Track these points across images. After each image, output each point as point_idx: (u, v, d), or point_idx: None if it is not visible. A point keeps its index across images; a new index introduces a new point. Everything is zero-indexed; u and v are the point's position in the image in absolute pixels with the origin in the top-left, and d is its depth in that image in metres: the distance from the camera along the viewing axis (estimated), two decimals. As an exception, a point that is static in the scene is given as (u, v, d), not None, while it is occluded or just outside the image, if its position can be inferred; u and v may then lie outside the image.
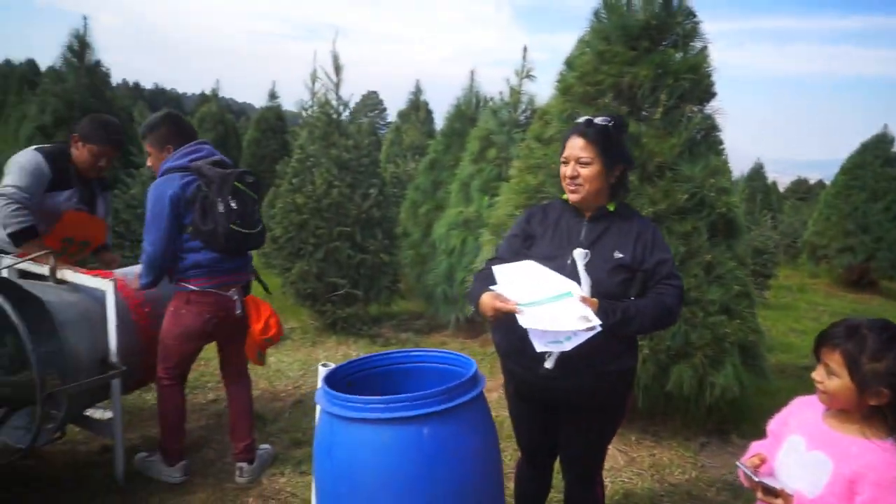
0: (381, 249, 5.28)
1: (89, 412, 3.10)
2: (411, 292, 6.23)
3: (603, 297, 1.85)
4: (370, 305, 5.52)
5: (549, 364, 1.91)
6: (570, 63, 3.72)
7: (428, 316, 5.89)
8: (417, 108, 11.00)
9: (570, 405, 2.05)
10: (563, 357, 1.87)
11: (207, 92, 15.97)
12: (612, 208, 2.04)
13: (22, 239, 2.86)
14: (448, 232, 5.07)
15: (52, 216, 2.96)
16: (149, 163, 2.90)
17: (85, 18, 7.14)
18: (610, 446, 2.26)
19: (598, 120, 1.99)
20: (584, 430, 2.08)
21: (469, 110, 6.11)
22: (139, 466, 2.93)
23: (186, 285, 2.74)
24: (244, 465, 2.95)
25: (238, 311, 2.86)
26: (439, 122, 11.39)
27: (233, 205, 2.62)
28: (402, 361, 2.07)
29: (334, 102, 5.45)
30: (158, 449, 2.91)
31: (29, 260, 2.91)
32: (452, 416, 1.72)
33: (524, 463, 2.29)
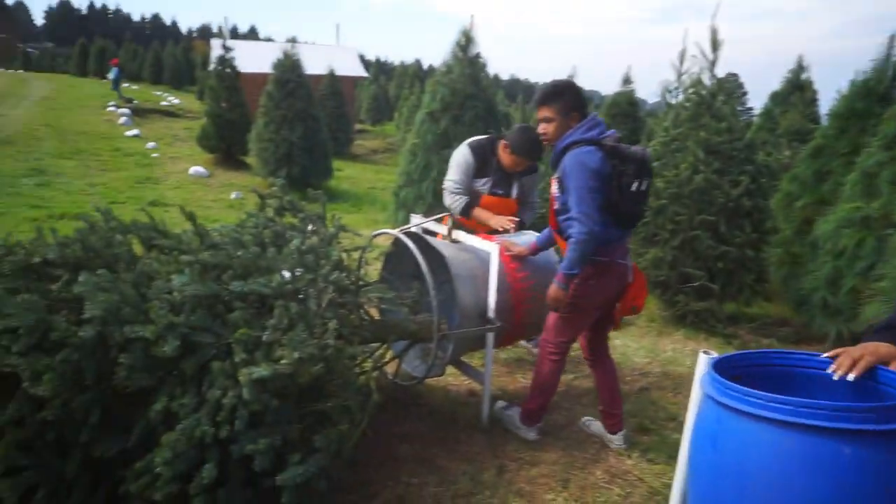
0: (747, 243, 4.77)
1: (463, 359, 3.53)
2: (776, 295, 5.51)
3: None
4: (726, 303, 5.06)
5: None
6: None
7: (797, 324, 5.14)
8: (800, 89, 9.53)
9: None
10: None
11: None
12: None
13: (466, 213, 3.57)
14: (838, 230, 4.29)
15: (477, 197, 3.60)
16: (544, 129, 2.80)
17: (472, 16, 8.12)
18: None
19: None
20: None
21: (881, 86, 5.02)
22: (497, 415, 3.21)
23: (595, 257, 2.73)
24: (624, 432, 3.09)
25: (630, 279, 2.87)
26: (824, 104, 9.75)
27: (643, 187, 2.69)
28: (807, 365, 1.79)
29: (707, 82, 5.07)
30: (522, 408, 3.11)
31: (432, 220, 3.42)
32: (889, 444, 1.42)
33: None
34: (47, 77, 34.30)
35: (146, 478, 2.04)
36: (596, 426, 3.20)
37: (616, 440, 3.08)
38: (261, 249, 2.61)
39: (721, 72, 5.12)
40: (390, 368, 3.46)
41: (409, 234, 3.19)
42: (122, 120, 17.73)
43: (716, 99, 5.03)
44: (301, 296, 2.48)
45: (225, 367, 2.15)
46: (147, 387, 2.14)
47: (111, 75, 25.45)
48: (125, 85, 28.13)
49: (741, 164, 4.86)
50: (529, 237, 3.31)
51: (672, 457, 3.02)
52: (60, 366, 2.02)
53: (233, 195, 10.43)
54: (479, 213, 3.57)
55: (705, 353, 1.94)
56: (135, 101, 23.12)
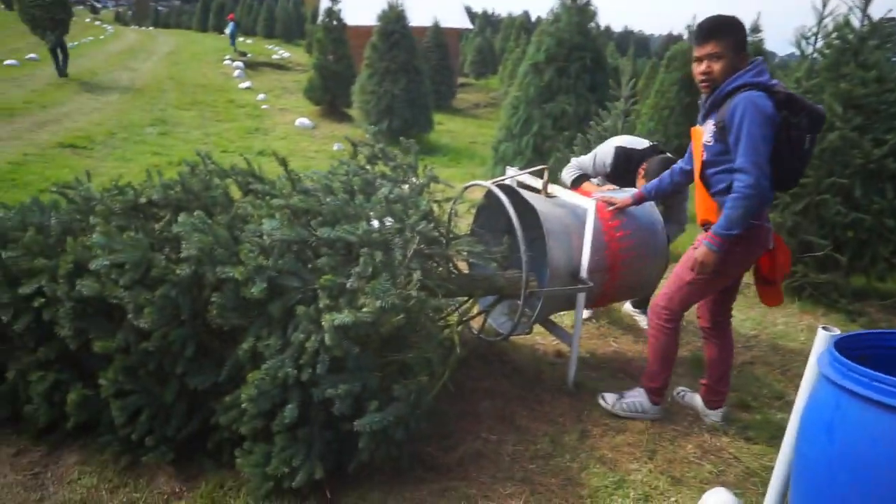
0: (888, 211, 4.23)
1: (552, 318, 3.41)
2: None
3: None
4: (854, 276, 4.55)
5: None
6: None
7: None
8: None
9: None
10: None
11: (675, 32, 15.44)
12: None
13: (576, 183, 3.53)
14: None
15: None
16: (708, 67, 2.37)
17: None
18: None
19: None
20: None
21: None
22: (617, 409, 2.83)
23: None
24: (724, 409, 2.88)
25: (771, 244, 2.56)
26: None
27: (811, 144, 2.37)
28: (954, 351, 1.54)
29: (857, 23, 4.45)
30: (647, 388, 2.82)
31: (527, 173, 3.28)
32: None
33: None
34: (173, 33, 36.52)
35: (234, 412, 2.13)
36: (691, 398, 3.00)
37: (713, 415, 2.87)
38: (349, 197, 2.60)
39: (877, 12, 4.46)
40: (476, 323, 3.41)
41: (502, 187, 3.08)
42: (237, 73, 18.55)
43: (865, 44, 4.39)
44: (391, 246, 2.45)
45: (309, 312, 2.17)
46: (237, 326, 2.21)
47: (228, 30, 26.64)
48: (240, 39, 29.38)
49: (890, 119, 4.26)
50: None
51: (775, 437, 2.79)
52: (160, 300, 2.12)
53: (335, 146, 10.66)
54: (587, 185, 3.48)
55: (825, 328, 1.72)
56: (248, 55, 24.11)
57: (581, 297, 2.95)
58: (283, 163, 2.68)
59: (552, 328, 3.29)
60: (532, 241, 3.09)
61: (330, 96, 13.09)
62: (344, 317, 2.12)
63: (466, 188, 3.10)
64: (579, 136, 5.18)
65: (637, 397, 2.85)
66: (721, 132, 2.37)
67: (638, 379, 2.96)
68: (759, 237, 2.49)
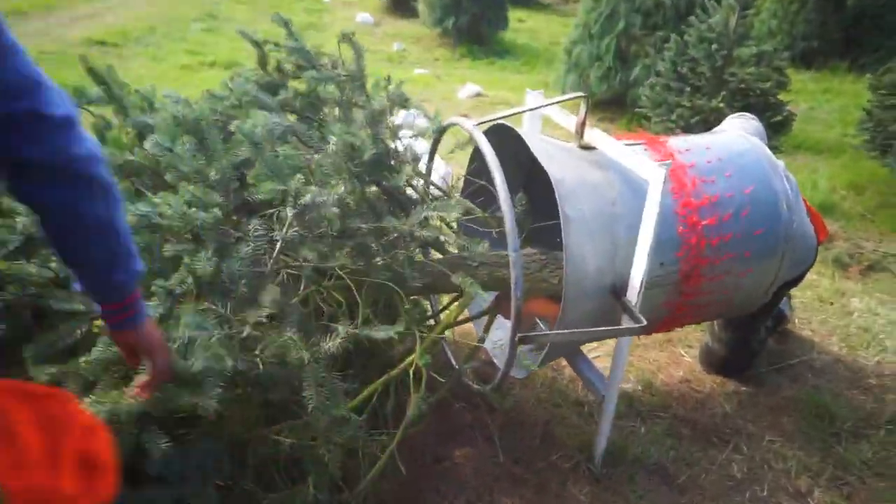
0: None
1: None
2: None
3: None
4: None
5: None
6: None
7: None
8: None
9: None
10: None
11: None
12: None
13: None
14: None
15: None
16: None
17: None
18: None
19: None
20: None
21: None
22: None
23: None
24: None
25: None
26: None
27: None
28: None
29: None
30: None
31: (557, 103, 1.93)
32: None
33: None
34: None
35: None
36: None
37: None
38: (198, 139, 1.41)
39: None
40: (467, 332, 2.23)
41: (502, 129, 1.80)
42: (307, -40, 17.08)
43: None
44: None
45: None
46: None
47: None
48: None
49: None
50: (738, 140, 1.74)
51: None
52: None
53: (395, 46, 9.35)
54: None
55: None
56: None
57: (625, 340, 1.70)
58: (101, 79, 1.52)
59: (578, 363, 2.04)
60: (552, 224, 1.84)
61: (395, -12, 11.52)
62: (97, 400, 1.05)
63: (445, 128, 1.83)
64: (673, 38, 3.64)
65: None
66: None
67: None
68: None
